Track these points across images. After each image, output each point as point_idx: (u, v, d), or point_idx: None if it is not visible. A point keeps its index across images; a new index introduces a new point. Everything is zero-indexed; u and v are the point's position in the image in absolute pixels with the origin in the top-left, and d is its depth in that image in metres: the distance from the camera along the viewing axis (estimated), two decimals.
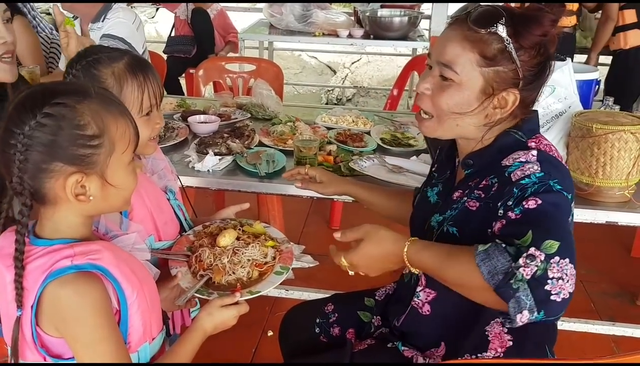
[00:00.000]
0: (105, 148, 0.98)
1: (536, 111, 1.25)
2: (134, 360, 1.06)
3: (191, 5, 4.59)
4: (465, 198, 1.21)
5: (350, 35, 4.36)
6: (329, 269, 3.00)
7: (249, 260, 1.29)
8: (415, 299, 1.32)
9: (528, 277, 0.96)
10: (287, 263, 1.31)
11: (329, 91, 6.77)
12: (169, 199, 1.43)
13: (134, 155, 1.38)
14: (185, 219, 1.48)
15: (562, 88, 1.86)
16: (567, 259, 0.98)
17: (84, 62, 1.23)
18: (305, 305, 1.68)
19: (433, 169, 1.43)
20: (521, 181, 1.09)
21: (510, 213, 1.06)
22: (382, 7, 4.58)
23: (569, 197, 1.10)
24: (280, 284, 1.25)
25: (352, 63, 7.30)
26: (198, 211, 1.62)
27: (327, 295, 1.68)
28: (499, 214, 1.09)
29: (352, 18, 4.61)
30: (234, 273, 1.26)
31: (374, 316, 1.53)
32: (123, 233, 1.17)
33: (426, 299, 1.30)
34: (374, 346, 1.40)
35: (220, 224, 1.44)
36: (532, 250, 0.97)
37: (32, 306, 0.96)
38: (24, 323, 0.97)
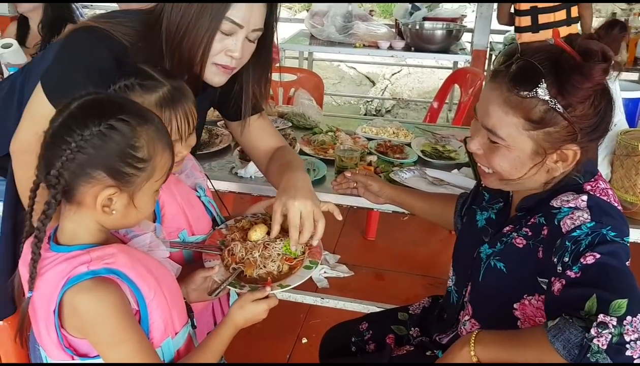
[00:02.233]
0: (146, 173, 1.02)
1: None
2: (158, 355, 1.08)
3: None
4: (514, 234, 1.18)
5: (391, 47, 4.37)
6: (364, 280, 3.04)
7: (279, 254, 1.30)
8: (462, 327, 1.32)
9: (604, 347, 0.90)
10: (316, 258, 1.32)
11: (367, 101, 6.77)
12: (199, 196, 1.46)
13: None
14: (218, 215, 1.51)
15: None
16: (639, 316, 0.92)
17: (122, 84, 1.22)
18: (340, 327, 1.68)
19: (482, 185, 1.38)
20: (572, 233, 1.03)
21: (569, 272, 1.01)
22: (424, 19, 4.58)
23: (626, 241, 1.04)
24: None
25: (392, 74, 7.28)
26: (236, 214, 1.66)
27: (363, 311, 1.69)
28: (558, 271, 1.03)
29: (394, 30, 4.63)
30: (264, 266, 1.28)
31: (412, 328, 1.54)
32: (142, 233, 1.18)
33: (471, 329, 1.29)
34: (412, 353, 1.41)
35: (251, 218, 1.47)
36: (601, 317, 0.92)
37: (54, 311, 0.99)
38: (49, 327, 1.01)
